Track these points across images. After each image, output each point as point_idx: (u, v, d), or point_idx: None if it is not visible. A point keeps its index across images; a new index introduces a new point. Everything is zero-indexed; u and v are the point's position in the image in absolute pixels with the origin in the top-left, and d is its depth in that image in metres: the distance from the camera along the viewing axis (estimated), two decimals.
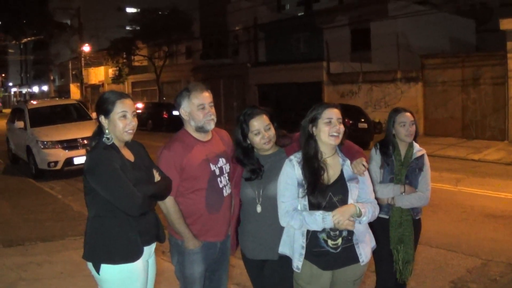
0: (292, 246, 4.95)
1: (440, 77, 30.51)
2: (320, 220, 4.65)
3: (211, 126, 5.47)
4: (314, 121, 4.86)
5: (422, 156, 6.29)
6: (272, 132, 5.28)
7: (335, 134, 4.81)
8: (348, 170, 4.92)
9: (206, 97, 5.43)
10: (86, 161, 4.64)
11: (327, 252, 4.83)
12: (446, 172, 18.61)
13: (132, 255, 4.68)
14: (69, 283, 8.49)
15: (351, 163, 4.94)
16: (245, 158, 5.33)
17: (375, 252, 5.29)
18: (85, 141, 17.93)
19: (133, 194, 4.49)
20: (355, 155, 5.00)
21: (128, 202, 4.50)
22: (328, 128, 4.80)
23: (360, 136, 24.46)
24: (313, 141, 4.87)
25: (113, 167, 4.50)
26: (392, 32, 34.71)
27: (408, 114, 6.25)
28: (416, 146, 6.33)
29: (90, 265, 4.73)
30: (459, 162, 22.36)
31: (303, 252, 4.87)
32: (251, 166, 5.30)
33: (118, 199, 4.50)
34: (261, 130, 5.22)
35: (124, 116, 4.69)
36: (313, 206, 4.78)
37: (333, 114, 4.83)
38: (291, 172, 4.88)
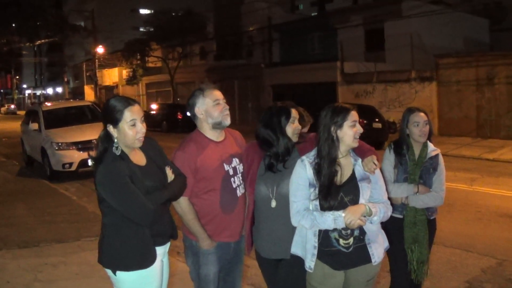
0: (305, 246, 4.96)
1: (454, 77, 30.44)
2: (331, 221, 4.66)
3: (228, 121, 5.49)
4: (338, 123, 4.84)
5: (436, 155, 6.26)
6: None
7: (357, 136, 4.85)
8: (359, 170, 4.92)
9: (219, 94, 5.48)
10: (96, 173, 4.56)
11: (338, 251, 4.84)
12: (461, 171, 18.58)
13: (146, 263, 4.68)
14: (85, 284, 8.53)
15: (362, 161, 4.96)
16: (278, 138, 5.30)
17: (389, 252, 5.29)
18: None
19: (144, 207, 4.46)
20: (366, 153, 5.01)
21: (139, 215, 4.48)
22: (354, 132, 4.82)
23: (374, 136, 24.44)
24: (337, 144, 4.87)
25: (122, 181, 4.45)
26: (406, 32, 34.61)
27: (422, 114, 6.23)
28: (431, 145, 6.30)
29: None
30: (473, 161, 22.32)
31: (315, 252, 4.87)
32: (284, 144, 5.28)
33: (130, 213, 4.48)
34: (296, 120, 5.34)
35: (134, 125, 4.60)
36: (324, 206, 4.79)
37: (356, 117, 4.86)
38: (303, 172, 4.89)
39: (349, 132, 4.81)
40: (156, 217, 4.60)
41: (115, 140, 4.63)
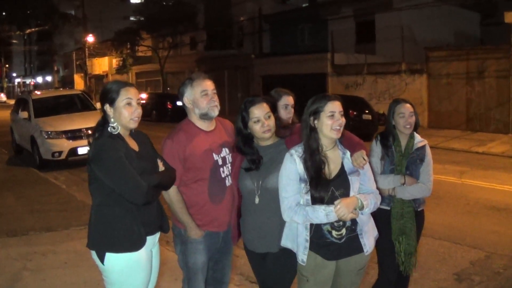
0: (295, 239, 4.96)
1: (444, 70, 30.45)
2: (323, 216, 4.65)
3: (215, 112, 5.47)
4: (316, 114, 4.81)
5: (423, 147, 6.28)
6: (272, 121, 5.25)
7: (337, 127, 4.79)
8: (348, 163, 4.90)
9: (208, 84, 5.45)
10: (91, 149, 4.63)
11: (331, 242, 4.84)
12: (450, 164, 18.64)
13: (135, 245, 4.68)
14: (74, 273, 8.50)
15: (351, 155, 4.93)
16: (245, 147, 5.32)
17: (377, 244, 5.28)
18: (89, 131, 17.83)
19: (138, 183, 4.48)
20: (355, 147, 4.97)
21: (133, 191, 4.49)
22: (331, 122, 4.77)
23: (364, 127, 24.39)
24: (315, 134, 4.85)
25: (118, 155, 4.50)
26: (397, 24, 34.62)
27: (407, 105, 6.26)
28: (417, 137, 6.32)
29: (94, 255, 4.74)
30: (463, 154, 22.37)
31: (308, 245, 4.86)
32: (251, 155, 5.29)
33: (123, 187, 4.49)
34: (261, 118, 5.19)
35: (129, 104, 4.68)
36: (316, 200, 4.78)
37: (336, 107, 4.79)
38: (293, 167, 4.85)
39: (326, 122, 4.77)
40: (149, 197, 4.63)
41: (112, 120, 4.69)
